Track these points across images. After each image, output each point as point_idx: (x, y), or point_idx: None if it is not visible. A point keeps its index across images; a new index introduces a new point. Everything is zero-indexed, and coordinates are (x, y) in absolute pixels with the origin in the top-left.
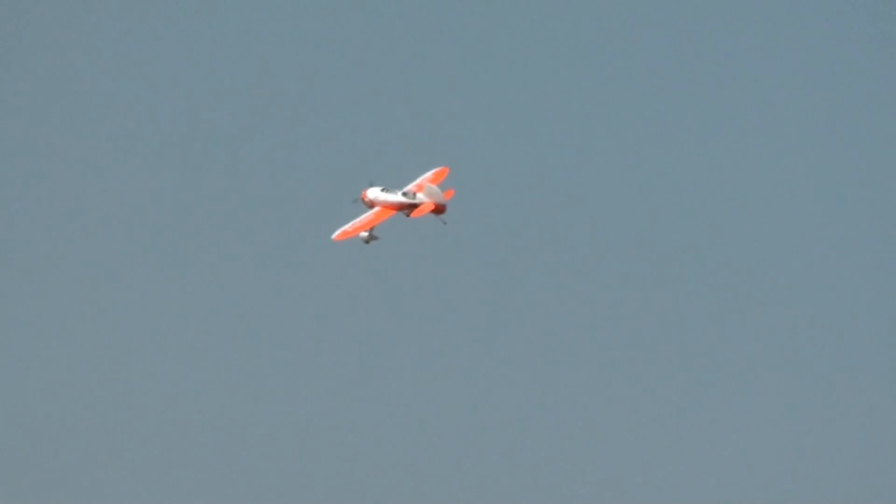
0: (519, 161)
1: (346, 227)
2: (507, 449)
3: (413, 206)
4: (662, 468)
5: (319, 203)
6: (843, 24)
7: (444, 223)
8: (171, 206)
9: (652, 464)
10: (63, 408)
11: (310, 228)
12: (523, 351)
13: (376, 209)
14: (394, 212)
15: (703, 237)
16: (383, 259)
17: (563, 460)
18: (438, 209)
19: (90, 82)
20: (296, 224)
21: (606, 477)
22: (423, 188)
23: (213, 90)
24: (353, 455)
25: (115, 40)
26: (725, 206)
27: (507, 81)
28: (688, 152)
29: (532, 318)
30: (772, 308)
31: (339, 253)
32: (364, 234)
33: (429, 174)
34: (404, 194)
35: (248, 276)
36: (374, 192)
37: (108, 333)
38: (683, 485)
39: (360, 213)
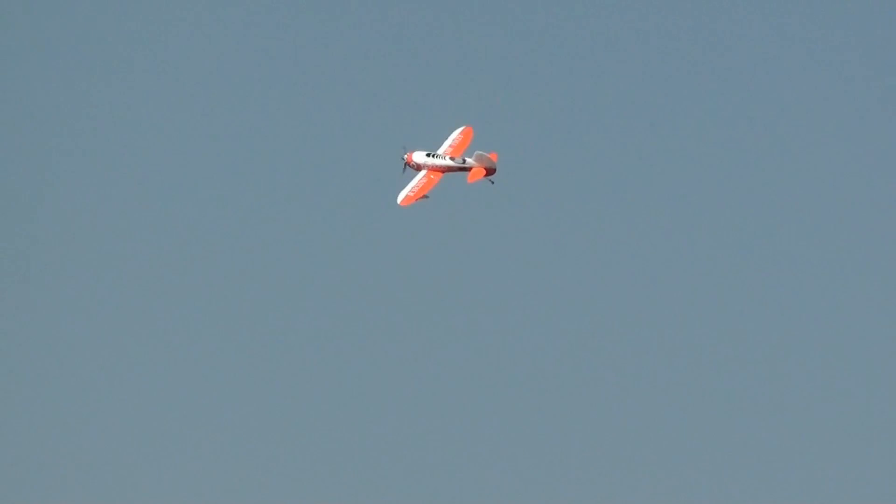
0: (533, 117)
1: (407, 192)
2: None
3: (463, 170)
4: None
5: (363, 169)
6: (843, 23)
7: (492, 183)
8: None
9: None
10: (79, 408)
11: (366, 194)
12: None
13: (424, 172)
14: (441, 175)
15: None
16: (444, 218)
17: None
18: (489, 172)
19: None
20: (347, 191)
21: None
22: (474, 155)
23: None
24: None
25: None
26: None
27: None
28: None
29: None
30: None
31: (407, 216)
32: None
33: (456, 135)
34: (452, 159)
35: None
36: (420, 157)
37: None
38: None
39: (409, 177)
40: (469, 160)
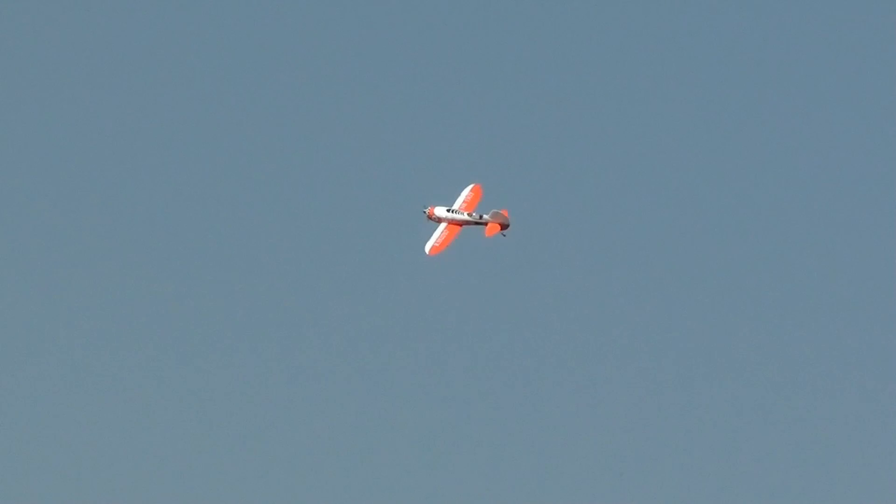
0: (532, 169)
1: (433, 242)
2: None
3: (479, 224)
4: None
5: (386, 223)
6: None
7: (504, 236)
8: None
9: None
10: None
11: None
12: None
13: (445, 224)
14: (460, 228)
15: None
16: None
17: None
18: (504, 227)
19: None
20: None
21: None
22: (490, 212)
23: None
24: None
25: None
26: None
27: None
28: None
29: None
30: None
31: (434, 265)
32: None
33: (468, 192)
34: (469, 214)
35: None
36: (441, 212)
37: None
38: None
39: (430, 228)
40: (485, 216)
